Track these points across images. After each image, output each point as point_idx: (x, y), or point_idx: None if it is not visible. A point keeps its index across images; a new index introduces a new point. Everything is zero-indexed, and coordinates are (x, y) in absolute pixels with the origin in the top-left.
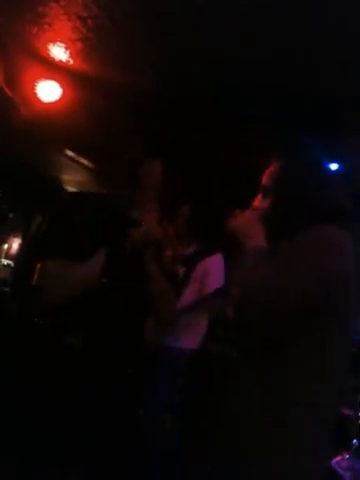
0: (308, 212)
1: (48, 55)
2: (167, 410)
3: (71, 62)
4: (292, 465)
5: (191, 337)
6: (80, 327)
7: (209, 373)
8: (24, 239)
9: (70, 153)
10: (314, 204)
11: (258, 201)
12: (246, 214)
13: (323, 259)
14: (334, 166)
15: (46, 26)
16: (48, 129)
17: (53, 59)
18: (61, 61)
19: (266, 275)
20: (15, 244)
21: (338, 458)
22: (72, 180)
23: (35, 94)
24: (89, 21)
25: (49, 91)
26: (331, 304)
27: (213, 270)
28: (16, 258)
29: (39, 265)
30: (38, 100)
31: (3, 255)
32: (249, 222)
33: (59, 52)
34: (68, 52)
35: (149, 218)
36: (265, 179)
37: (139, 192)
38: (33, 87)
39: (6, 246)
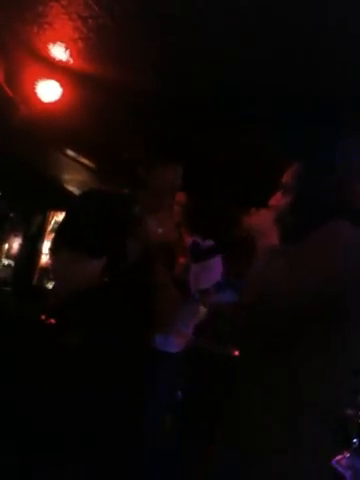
0: (326, 212)
1: (48, 54)
2: (167, 410)
3: (71, 62)
4: (292, 465)
5: (179, 338)
6: (80, 326)
7: (209, 373)
8: (24, 239)
9: (70, 153)
10: (332, 204)
11: (276, 199)
12: (262, 213)
13: (336, 257)
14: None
15: (46, 25)
16: (48, 129)
17: (53, 59)
18: (61, 61)
19: (279, 274)
20: (15, 244)
21: (338, 457)
22: (72, 180)
23: (35, 94)
24: (90, 21)
25: (49, 91)
26: (341, 304)
27: (210, 265)
28: (16, 258)
29: (50, 256)
30: (38, 100)
31: (3, 255)
32: (264, 221)
33: (59, 51)
34: (68, 52)
35: (168, 222)
36: (286, 178)
37: (153, 195)
38: (33, 86)
39: (6, 246)
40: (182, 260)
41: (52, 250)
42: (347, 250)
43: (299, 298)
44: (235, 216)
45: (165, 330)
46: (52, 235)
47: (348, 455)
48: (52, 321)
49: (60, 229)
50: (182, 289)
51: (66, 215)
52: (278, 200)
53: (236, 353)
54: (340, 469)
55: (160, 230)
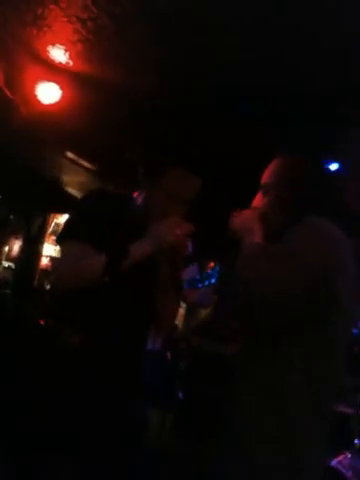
0: (307, 210)
1: (48, 57)
2: (167, 409)
3: (71, 64)
4: (293, 464)
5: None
6: (82, 326)
7: (209, 373)
8: (25, 241)
9: (70, 155)
10: (314, 202)
11: (257, 199)
12: (245, 213)
13: (321, 250)
14: (334, 166)
15: (46, 28)
16: (48, 131)
17: (53, 61)
18: (61, 63)
19: (266, 273)
20: (16, 246)
21: (340, 457)
22: (72, 181)
23: (35, 96)
24: (89, 23)
25: (49, 93)
26: (333, 300)
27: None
28: (17, 260)
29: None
30: (38, 102)
31: (4, 257)
32: (247, 220)
33: (59, 54)
34: (68, 54)
35: (180, 228)
36: (264, 177)
37: (171, 200)
38: (33, 89)
39: (7, 248)
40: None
41: (60, 240)
42: (333, 243)
43: (287, 296)
44: (226, 218)
45: (166, 331)
46: (53, 237)
47: (349, 455)
48: (50, 322)
49: (71, 221)
50: (178, 291)
51: (79, 209)
52: (259, 200)
53: (234, 353)
54: (341, 469)
55: (170, 235)
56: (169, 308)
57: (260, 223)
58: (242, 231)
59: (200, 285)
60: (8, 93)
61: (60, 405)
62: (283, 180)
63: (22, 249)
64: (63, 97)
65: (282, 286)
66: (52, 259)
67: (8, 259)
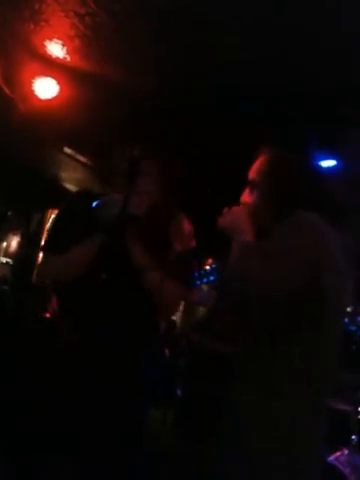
0: (295, 205)
1: (45, 52)
2: (167, 406)
3: (68, 59)
4: (293, 464)
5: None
6: (82, 324)
7: (209, 371)
8: (23, 237)
9: (68, 150)
10: (301, 197)
11: (245, 196)
12: (234, 210)
13: (313, 246)
14: (332, 162)
15: (43, 23)
16: (46, 126)
17: (50, 56)
18: (58, 58)
19: (258, 270)
20: (14, 242)
21: (338, 454)
22: (70, 177)
23: (32, 91)
24: (86, 18)
25: (46, 88)
26: (328, 299)
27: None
28: (15, 256)
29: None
30: (35, 97)
31: (2, 253)
32: (237, 218)
33: (56, 49)
34: (65, 49)
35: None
36: (252, 173)
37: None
38: (30, 84)
39: (5, 244)
40: (178, 246)
41: (43, 248)
42: (326, 239)
43: (284, 294)
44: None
45: (166, 317)
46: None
47: (347, 452)
48: (48, 315)
49: (53, 228)
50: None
51: (58, 214)
52: (246, 196)
53: (234, 351)
54: (339, 466)
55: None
56: (161, 289)
57: (249, 219)
58: (232, 229)
59: (199, 282)
60: (6, 89)
61: (60, 404)
62: (270, 176)
63: (21, 245)
64: (61, 93)
65: (279, 285)
66: None
67: (6, 255)
